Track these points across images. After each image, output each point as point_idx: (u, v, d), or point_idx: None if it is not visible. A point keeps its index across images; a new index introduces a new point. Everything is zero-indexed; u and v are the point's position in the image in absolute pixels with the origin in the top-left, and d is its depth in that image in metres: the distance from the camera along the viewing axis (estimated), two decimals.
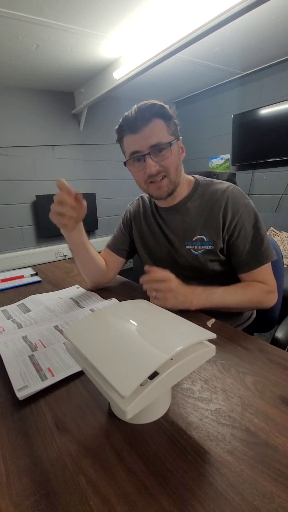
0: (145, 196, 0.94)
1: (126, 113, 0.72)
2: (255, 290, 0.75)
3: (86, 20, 1.64)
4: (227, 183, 0.80)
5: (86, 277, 0.89)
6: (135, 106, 0.72)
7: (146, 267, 0.68)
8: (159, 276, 0.66)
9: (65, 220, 0.69)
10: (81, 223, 0.77)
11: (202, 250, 0.79)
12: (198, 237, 0.79)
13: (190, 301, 0.67)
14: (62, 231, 0.76)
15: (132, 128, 0.71)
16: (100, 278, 0.89)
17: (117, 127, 0.75)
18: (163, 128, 0.71)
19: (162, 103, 0.72)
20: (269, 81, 2.53)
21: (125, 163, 0.78)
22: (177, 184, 0.78)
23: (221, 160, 3.10)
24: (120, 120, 0.74)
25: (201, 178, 0.85)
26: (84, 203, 0.71)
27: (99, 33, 1.78)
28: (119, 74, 2.17)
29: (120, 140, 0.77)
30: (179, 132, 0.77)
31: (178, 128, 0.76)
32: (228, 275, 0.82)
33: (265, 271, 0.76)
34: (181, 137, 0.77)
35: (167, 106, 0.73)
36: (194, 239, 0.79)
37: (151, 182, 0.75)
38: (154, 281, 0.66)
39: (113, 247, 0.94)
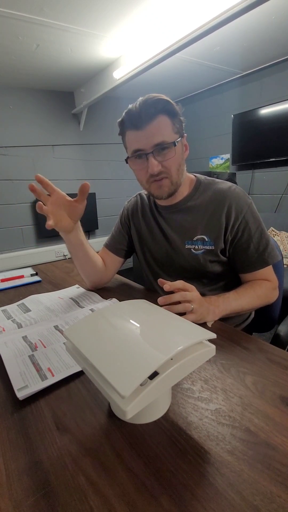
0: (144, 193, 0.93)
1: (130, 106, 0.68)
2: (263, 288, 0.75)
3: (86, 20, 1.64)
4: (229, 183, 0.79)
5: (84, 277, 0.89)
6: (140, 99, 0.67)
7: (161, 281, 0.62)
8: (180, 285, 0.61)
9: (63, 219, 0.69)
10: (79, 223, 0.76)
11: (202, 250, 0.78)
12: (199, 236, 0.78)
13: (213, 311, 0.64)
14: (61, 233, 0.75)
15: (135, 124, 0.68)
16: (98, 278, 0.89)
17: (119, 120, 0.71)
18: (168, 125, 0.68)
19: (168, 98, 0.68)
20: (269, 81, 2.53)
21: (126, 160, 0.74)
22: (179, 184, 0.76)
23: (221, 160, 3.10)
24: (123, 113, 0.70)
25: (202, 177, 0.84)
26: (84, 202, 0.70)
27: (99, 33, 1.78)
28: (119, 74, 2.17)
29: (122, 134, 0.74)
30: (184, 130, 0.73)
31: (183, 125, 0.73)
32: (227, 276, 0.81)
33: (269, 269, 0.77)
34: (185, 134, 0.74)
35: (173, 102, 0.69)
36: (195, 239, 0.79)
37: (153, 181, 0.73)
38: (179, 290, 0.61)
39: (111, 246, 0.93)
